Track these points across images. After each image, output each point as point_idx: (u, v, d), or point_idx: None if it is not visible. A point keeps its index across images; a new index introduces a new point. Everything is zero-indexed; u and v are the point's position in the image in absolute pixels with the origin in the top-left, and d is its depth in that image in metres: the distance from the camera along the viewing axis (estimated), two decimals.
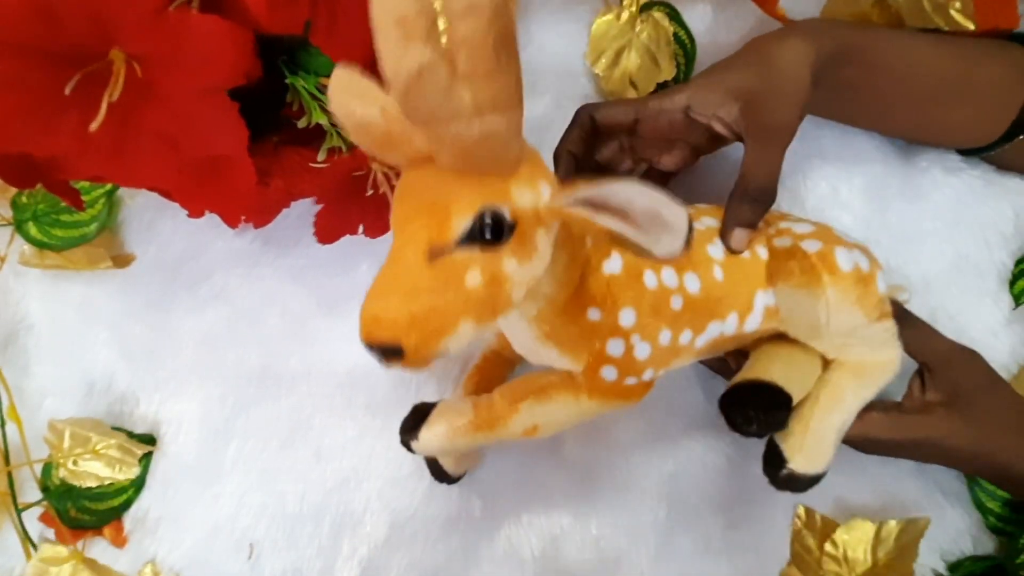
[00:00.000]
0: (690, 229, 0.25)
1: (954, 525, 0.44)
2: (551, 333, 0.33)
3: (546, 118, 0.47)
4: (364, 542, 0.47)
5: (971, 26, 0.40)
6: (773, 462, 0.36)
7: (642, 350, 0.34)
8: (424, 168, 0.26)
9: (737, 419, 0.34)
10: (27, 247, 0.50)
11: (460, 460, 0.42)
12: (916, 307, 0.44)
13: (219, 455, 0.48)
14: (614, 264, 0.34)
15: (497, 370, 0.43)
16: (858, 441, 0.38)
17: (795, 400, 0.35)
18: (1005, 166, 0.45)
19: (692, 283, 0.35)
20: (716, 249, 0.37)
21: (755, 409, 0.34)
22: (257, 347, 0.49)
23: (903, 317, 0.37)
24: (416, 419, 0.35)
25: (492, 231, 0.26)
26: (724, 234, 0.37)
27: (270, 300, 0.49)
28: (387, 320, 0.25)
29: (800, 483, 0.36)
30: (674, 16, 0.47)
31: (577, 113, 0.40)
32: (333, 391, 0.48)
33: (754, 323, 0.37)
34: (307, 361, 0.49)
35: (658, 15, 0.47)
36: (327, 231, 0.43)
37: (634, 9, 0.47)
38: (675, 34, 0.47)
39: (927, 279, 0.45)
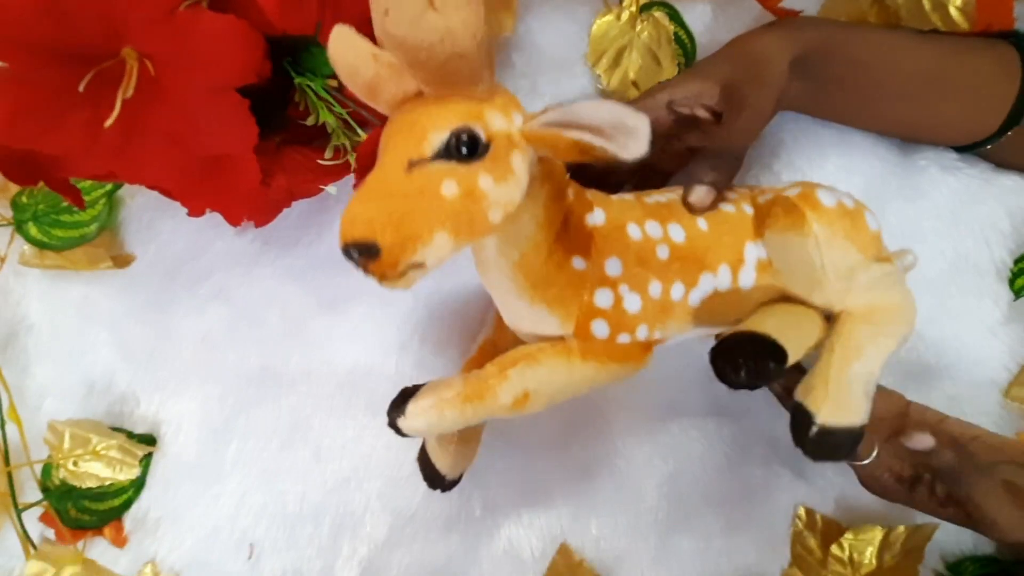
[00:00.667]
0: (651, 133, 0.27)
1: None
2: (537, 282, 0.33)
3: None
4: (364, 542, 0.47)
5: (967, 26, 0.40)
6: (801, 424, 0.34)
7: (632, 302, 0.34)
8: (410, 103, 0.29)
9: (726, 368, 0.33)
10: (27, 247, 0.50)
11: (454, 458, 0.40)
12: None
13: (219, 455, 0.48)
14: (597, 216, 0.34)
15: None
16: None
17: (793, 357, 0.33)
18: (1002, 163, 0.45)
19: (677, 233, 0.35)
20: None
21: (744, 357, 0.33)
22: (257, 347, 0.49)
23: None
24: (404, 398, 0.34)
25: (467, 147, 0.27)
26: (684, 191, 0.37)
27: (270, 300, 0.49)
28: (364, 219, 0.26)
29: (836, 440, 0.33)
30: (674, 16, 0.47)
31: None
32: (333, 391, 0.48)
33: (748, 278, 0.36)
34: (307, 361, 0.49)
35: (658, 15, 0.47)
36: None
37: (634, 9, 0.47)
38: (675, 34, 0.47)
39: (927, 278, 0.45)
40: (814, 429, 0.33)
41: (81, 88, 0.32)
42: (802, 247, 0.34)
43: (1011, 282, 0.45)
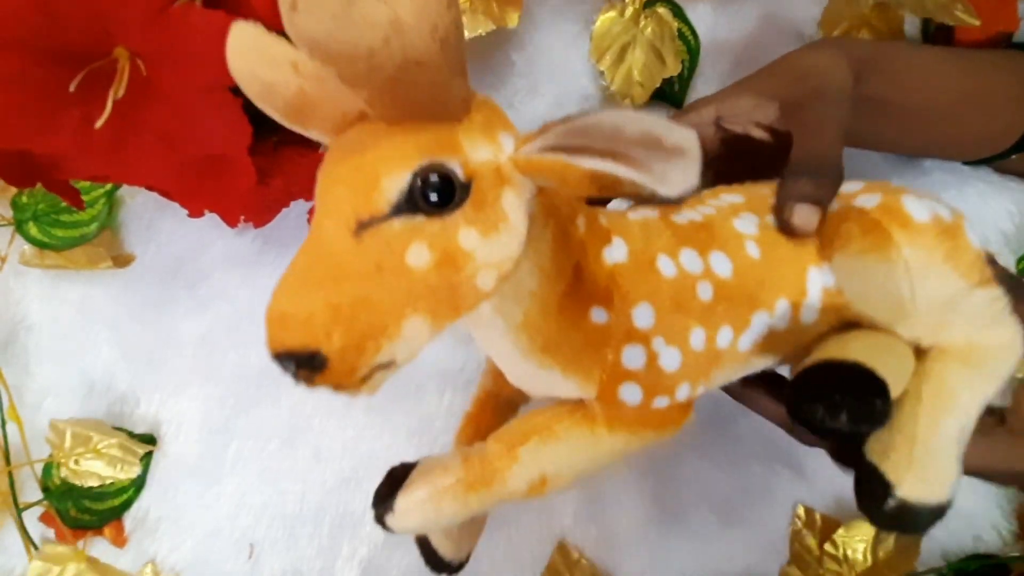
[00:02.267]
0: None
1: (955, 523, 0.44)
2: (546, 345, 0.25)
3: (547, 118, 0.47)
4: (364, 542, 0.47)
5: (976, 22, 0.40)
6: (873, 492, 0.27)
7: (669, 358, 0.26)
8: (352, 130, 0.21)
9: (816, 411, 0.24)
10: (27, 247, 0.50)
11: (458, 539, 0.31)
12: None
13: (219, 455, 0.48)
14: (617, 251, 0.26)
15: (498, 415, 0.33)
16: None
17: (894, 393, 0.25)
18: (1004, 171, 0.45)
19: (722, 265, 0.27)
20: (745, 223, 0.29)
21: (842, 393, 0.24)
22: (257, 347, 0.48)
23: (1016, 286, 0.27)
24: (391, 486, 0.26)
25: (438, 192, 0.20)
26: (780, 211, 0.28)
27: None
28: (299, 318, 0.19)
29: (915, 517, 0.26)
30: (678, 12, 0.47)
31: None
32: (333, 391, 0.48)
33: (811, 311, 0.28)
34: None
35: (662, 10, 0.47)
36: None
37: (637, 5, 0.47)
38: (678, 30, 0.47)
39: None
40: (891, 503, 0.26)
41: (72, 88, 0.31)
42: (887, 275, 0.26)
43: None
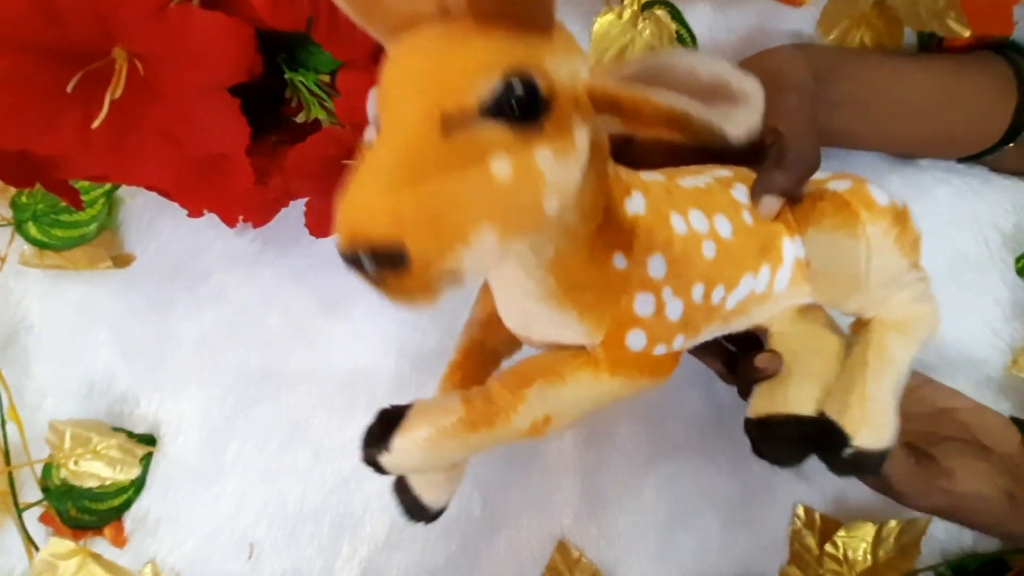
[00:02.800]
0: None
1: (954, 524, 0.44)
2: (571, 286, 0.26)
3: None
4: (364, 542, 0.47)
5: (966, 32, 0.40)
6: (833, 444, 0.31)
7: (674, 308, 0.28)
8: (428, 28, 0.20)
9: (768, 452, 0.32)
10: (27, 247, 0.50)
11: (440, 486, 0.32)
12: None
13: (219, 455, 0.48)
14: (636, 202, 0.27)
15: (483, 366, 0.34)
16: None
17: (819, 405, 0.32)
18: (999, 169, 0.45)
19: (724, 227, 0.30)
20: (739, 193, 0.32)
21: (787, 446, 0.32)
22: (257, 347, 0.49)
23: None
24: (385, 426, 0.26)
25: (525, 104, 0.19)
26: (756, 197, 0.32)
27: (270, 300, 0.49)
28: (386, 211, 0.17)
29: (868, 462, 0.31)
30: (675, 14, 0.47)
31: None
32: (333, 391, 0.48)
33: (784, 279, 0.32)
34: (307, 361, 0.49)
35: (660, 13, 0.47)
36: (319, 223, 0.42)
37: (636, 8, 0.47)
38: (676, 32, 0.47)
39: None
40: (848, 451, 0.30)
41: (69, 89, 0.31)
42: (851, 250, 0.30)
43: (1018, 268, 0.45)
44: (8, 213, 0.50)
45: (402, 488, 0.31)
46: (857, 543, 0.44)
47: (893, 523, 0.43)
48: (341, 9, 0.21)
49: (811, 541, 0.45)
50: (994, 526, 0.37)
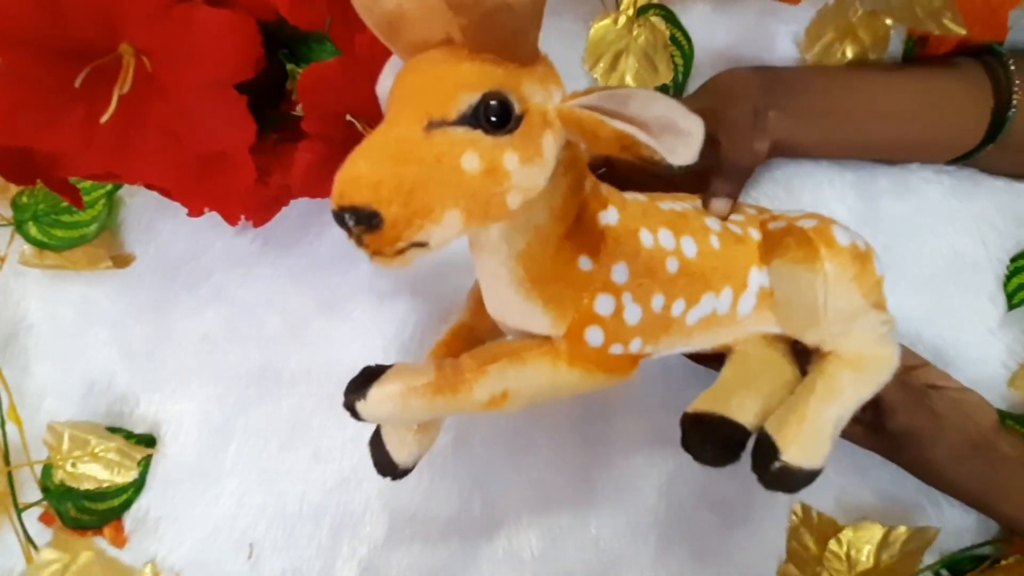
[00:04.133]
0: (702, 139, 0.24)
1: (953, 524, 0.44)
2: (537, 277, 0.30)
3: None
4: (364, 542, 0.47)
5: (963, 31, 0.41)
6: (764, 455, 0.33)
7: (632, 313, 0.32)
8: (435, 51, 0.25)
9: (693, 446, 0.34)
10: (27, 247, 0.50)
11: (411, 445, 0.35)
12: (913, 305, 0.44)
13: (219, 455, 0.48)
14: (610, 215, 0.32)
15: (467, 347, 0.36)
16: None
17: (757, 420, 0.34)
18: (990, 171, 0.46)
19: (689, 247, 0.34)
20: (712, 222, 0.36)
21: (711, 443, 0.33)
22: (257, 347, 0.49)
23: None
24: (366, 378, 0.31)
25: (497, 116, 0.24)
26: (706, 202, 0.38)
27: (270, 300, 0.49)
28: (369, 181, 0.23)
29: (793, 479, 0.32)
30: (671, 19, 0.47)
31: None
32: (333, 391, 0.48)
33: (748, 304, 0.35)
34: (307, 361, 0.49)
35: (655, 18, 0.47)
36: (311, 182, 0.38)
37: (631, 13, 0.47)
38: (672, 36, 0.47)
39: (924, 276, 0.45)
40: (776, 465, 0.32)
41: (77, 84, 0.31)
42: (810, 283, 0.33)
43: (1006, 281, 0.45)
44: (8, 213, 0.50)
45: (377, 444, 0.36)
46: (862, 543, 0.44)
47: (903, 529, 0.43)
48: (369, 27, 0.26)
49: (809, 539, 0.45)
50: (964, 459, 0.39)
